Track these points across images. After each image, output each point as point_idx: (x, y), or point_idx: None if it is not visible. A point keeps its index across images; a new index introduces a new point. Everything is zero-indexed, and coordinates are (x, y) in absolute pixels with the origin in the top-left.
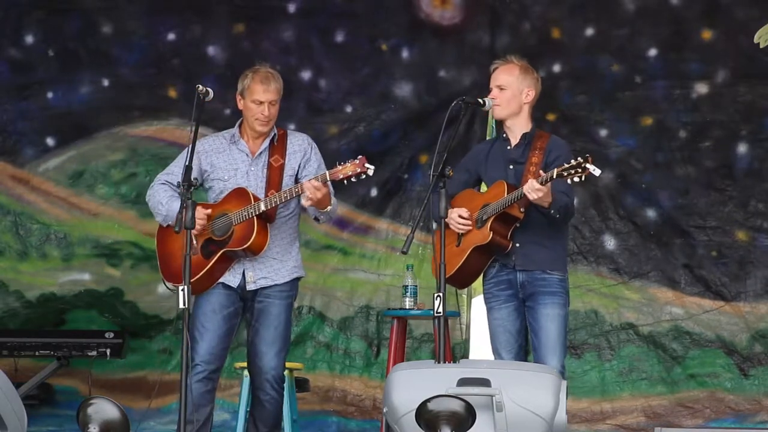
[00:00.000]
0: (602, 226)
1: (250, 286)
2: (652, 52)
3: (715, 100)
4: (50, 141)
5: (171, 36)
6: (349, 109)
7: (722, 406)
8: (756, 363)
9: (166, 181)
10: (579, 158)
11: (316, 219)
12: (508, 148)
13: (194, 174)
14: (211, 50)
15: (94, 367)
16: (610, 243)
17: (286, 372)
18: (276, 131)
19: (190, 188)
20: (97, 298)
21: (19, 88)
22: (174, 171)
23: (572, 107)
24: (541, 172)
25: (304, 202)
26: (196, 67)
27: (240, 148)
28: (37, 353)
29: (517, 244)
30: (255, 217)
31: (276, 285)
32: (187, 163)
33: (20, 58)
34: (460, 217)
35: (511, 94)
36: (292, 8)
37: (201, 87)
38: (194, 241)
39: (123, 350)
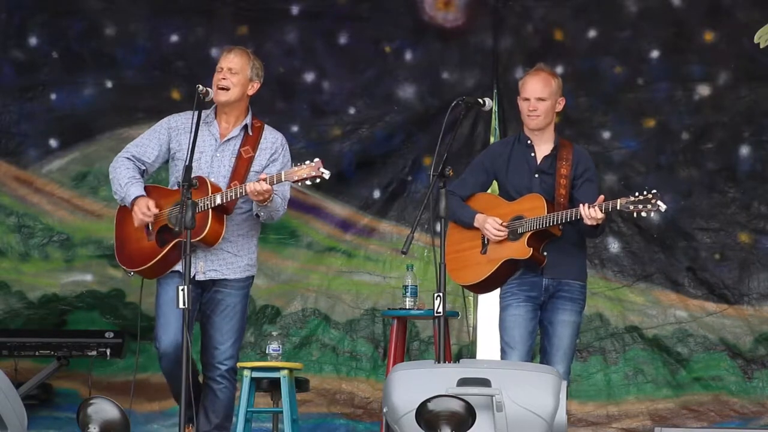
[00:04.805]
0: (606, 228)
1: (199, 277)
2: (655, 53)
3: (717, 101)
4: (54, 143)
5: (174, 38)
6: (352, 111)
7: (727, 409)
8: (760, 366)
9: (134, 156)
10: (649, 194)
11: (257, 215)
12: (532, 155)
13: (159, 151)
14: (215, 52)
15: (96, 370)
16: (614, 246)
17: (286, 372)
18: (252, 120)
19: (191, 188)
20: (99, 299)
21: (23, 89)
22: (144, 144)
23: (575, 109)
24: (590, 195)
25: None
26: (200, 69)
27: (211, 130)
28: (36, 353)
29: (545, 253)
30: (210, 209)
31: (227, 279)
32: (187, 163)
33: (24, 60)
34: (496, 229)
35: (550, 105)
36: (295, 10)
37: (201, 87)
38: (150, 227)
39: (123, 350)
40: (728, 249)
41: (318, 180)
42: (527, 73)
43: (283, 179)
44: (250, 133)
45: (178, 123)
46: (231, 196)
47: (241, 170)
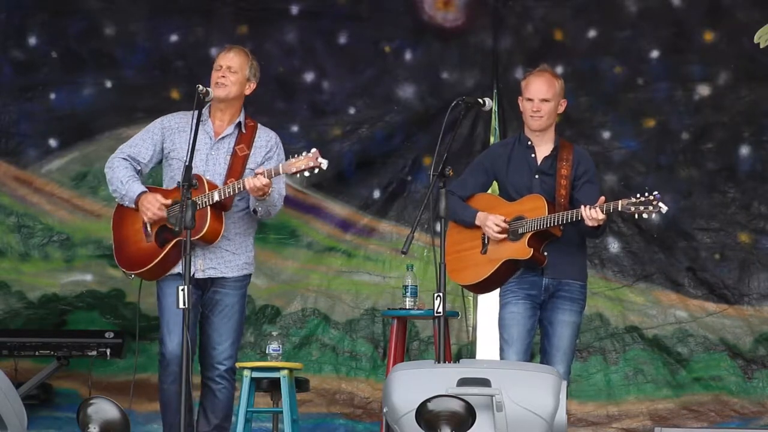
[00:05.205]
0: (606, 229)
1: (198, 275)
2: (654, 53)
3: (717, 101)
4: (53, 142)
5: (174, 38)
6: (352, 110)
7: (727, 409)
8: (760, 366)
9: (129, 156)
10: (650, 196)
11: (254, 211)
12: (533, 155)
13: (154, 151)
14: (214, 52)
15: (96, 370)
16: (614, 246)
17: (285, 372)
18: (245, 119)
19: (191, 188)
20: (98, 299)
21: (22, 89)
22: (138, 144)
23: (575, 109)
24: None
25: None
26: (199, 69)
27: (205, 128)
28: (36, 353)
29: (545, 253)
30: (209, 207)
31: (226, 278)
32: (186, 163)
33: (23, 60)
34: (497, 225)
35: (553, 107)
36: (295, 10)
37: (201, 87)
38: (149, 228)
39: (123, 350)
40: (728, 249)
41: (317, 170)
42: (530, 73)
43: (281, 171)
44: (244, 131)
45: (172, 123)
46: (228, 192)
47: (237, 168)
